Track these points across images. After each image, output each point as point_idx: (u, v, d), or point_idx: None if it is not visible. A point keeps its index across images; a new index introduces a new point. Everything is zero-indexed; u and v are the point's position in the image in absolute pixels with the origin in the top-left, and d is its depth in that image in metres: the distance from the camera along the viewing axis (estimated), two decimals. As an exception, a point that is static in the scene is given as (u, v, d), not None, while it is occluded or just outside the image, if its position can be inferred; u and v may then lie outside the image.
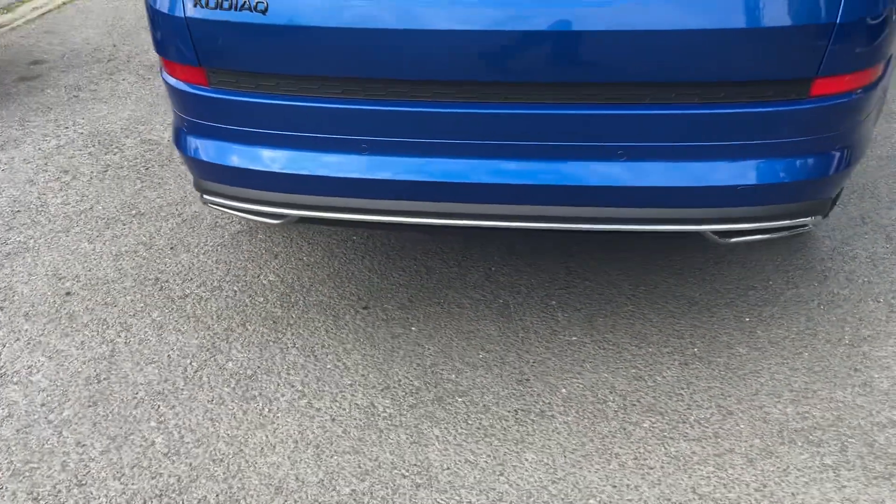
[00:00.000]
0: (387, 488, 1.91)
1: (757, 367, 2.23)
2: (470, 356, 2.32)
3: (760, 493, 1.86)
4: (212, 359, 2.35)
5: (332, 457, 2.01)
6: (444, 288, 2.61)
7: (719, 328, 2.38)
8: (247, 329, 2.46)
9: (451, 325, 2.44)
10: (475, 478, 1.93)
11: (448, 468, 1.96)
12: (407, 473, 1.95)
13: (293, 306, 2.55)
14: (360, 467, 1.97)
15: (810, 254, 2.70)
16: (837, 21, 1.70)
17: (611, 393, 2.17)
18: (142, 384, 2.26)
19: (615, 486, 1.90)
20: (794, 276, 2.59)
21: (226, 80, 1.93)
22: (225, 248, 2.87)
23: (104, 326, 2.50)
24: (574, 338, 2.38)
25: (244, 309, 2.55)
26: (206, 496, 1.91)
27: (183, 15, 1.86)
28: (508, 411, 2.12)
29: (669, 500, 1.86)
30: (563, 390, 2.19)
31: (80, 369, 2.33)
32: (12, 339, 2.46)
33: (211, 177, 2.06)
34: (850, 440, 1.99)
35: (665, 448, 2.00)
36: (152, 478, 1.97)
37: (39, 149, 3.66)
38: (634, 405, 2.13)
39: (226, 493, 1.92)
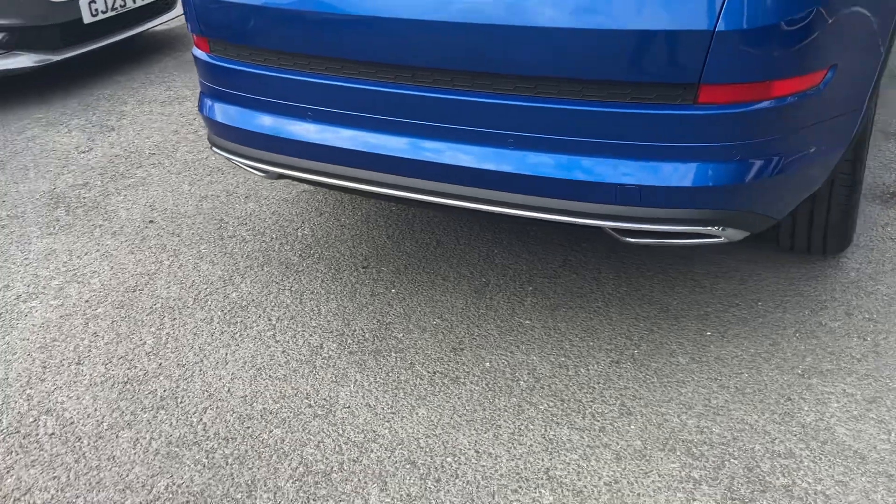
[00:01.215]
0: (290, 412, 2.19)
1: (686, 379, 2.21)
2: (425, 321, 2.51)
3: (607, 488, 1.90)
4: (223, 288, 2.75)
5: (265, 380, 2.32)
6: (441, 261, 2.81)
7: (673, 337, 2.37)
8: (263, 269, 2.84)
9: (427, 293, 2.64)
10: (365, 419, 2.15)
11: (348, 407, 2.20)
12: (312, 405, 2.21)
13: (309, 257, 2.89)
14: (280, 392, 2.27)
15: (825, 282, 2.56)
16: (715, 29, 1.70)
17: (528, 374, 2.27)
18: (162, 298, 2.72)
19: (477, 452, 2.03)
20: (789, 300, 2.48)
21: (218, 48, 2.29)
22: (286, 203, 3.28)
23: (161, 250, 3.01)
24: (527, 322, 2.48)
25: (269, 253, 2.93)
26: (156, 389, 2.31)
27: (192, -2, 2.26)
28: (428, 372, 2.30)
29: (519, 474, 1.96)
30: (487, 364, 2.32)
31: (126, 280, 2.84)
32: (94, 250, 3.04)
33: (213, 131, 2.44)
34: (732, 460, 1.95)
35: (545, 431, 2.08)
36: (128, 368, 2.40)
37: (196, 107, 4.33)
38: (543, 389, 2.21)
39: (171, 390, 2.30)
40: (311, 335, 2.49)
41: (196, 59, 2.40)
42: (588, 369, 2.27)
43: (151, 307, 2.68)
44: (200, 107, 2.46)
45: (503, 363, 2.31)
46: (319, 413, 2.18)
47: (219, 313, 2.62)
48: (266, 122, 2.26)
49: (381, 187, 2.14)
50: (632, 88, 1.80)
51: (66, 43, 4.59)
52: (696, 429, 2.05)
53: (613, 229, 1.96)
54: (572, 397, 2.18)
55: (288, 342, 2.46)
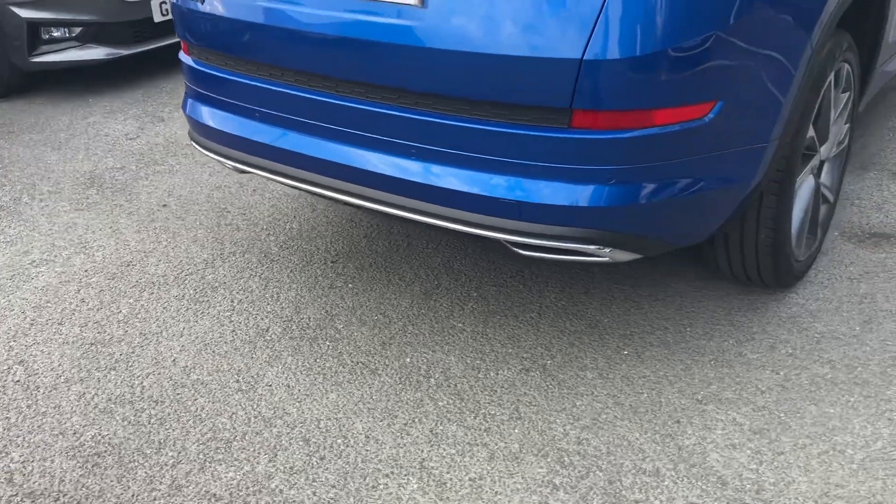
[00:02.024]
0: (219, 385, 2.41)
1: (586, 392, 2.30)
2: (368, 316, 2.69)
3: (470, 483, 2.02)
4: (203, 270, 3.02)
5: (208, 355, 2.55)
6: (405, 262, 2.98)
7: (590, 352, 2.45)
8: (243, 256, 3.09)
9: (380, 290, 2.82)
10: (280, 398, 2.34)
11: (270, 386, 2.40)
12: (240, 380, 2.43)
13: (288, 248, 3.12)
14: (216, 367, 2.49)
15: (762, 314, 2.57)
16: (582, 58, 1.80)
17: (441, 372, 2.41)
18: (149, 274, 3.01)
19: (367, 437, 2.18)
20: (719, 328, 2.51)
21: (193, 52, 2.55)
22: (286, 198, 3.52)
23: (163, 231, 3.30)
24: (460, 325, 2.62)
25: (255, 242, 3.18)
26: (114, 353, 2.58)
27: (175, 2, 2.52)
28: (352, 362, 2.48)
29: (396, 461, 2.10)
30: (408, 359, 2.47)
31: (124, 256, 3.14)
32: (107, 226, 3.37)
33: (190, 126, 2.70)
34: (597, 472, 2.03)
35: (436, 425, 2.21)
36: (98, 332, 2.69)
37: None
38: (449, 387, 2.34)
39: (127, 355, 2.57)
40: (262, 319, 2.70)
41: (181, 60, 2.66)
42: (497, 374, 2.39)
43: (137, 281, 2.97)
44: (183, 105, 2.73)
45: (422, 360, 2.46)
46: (243, 388, 2.39)
47: (191, 292, 2.88)
48: (226, 121, 2.49)
49: (313, 186, 2.33)
50: (511, 110, 1.92)
51: (136, 39, 5.02)
52: (576, 439, 2.13)
53: (508, 242, 2.08)
54: (472, 398, 2.30)
55: (240, 323, 2.68)
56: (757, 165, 2.11)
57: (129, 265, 3.07)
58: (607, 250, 2.02)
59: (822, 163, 2.67)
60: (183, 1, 2.45)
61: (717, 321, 2.56)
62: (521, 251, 2.10)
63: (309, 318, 2.69)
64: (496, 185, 1.99)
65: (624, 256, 2.07)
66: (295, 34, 2.17)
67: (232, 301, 2.81)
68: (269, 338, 2.61)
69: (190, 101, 2.64)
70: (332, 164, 2.23)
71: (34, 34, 4.78)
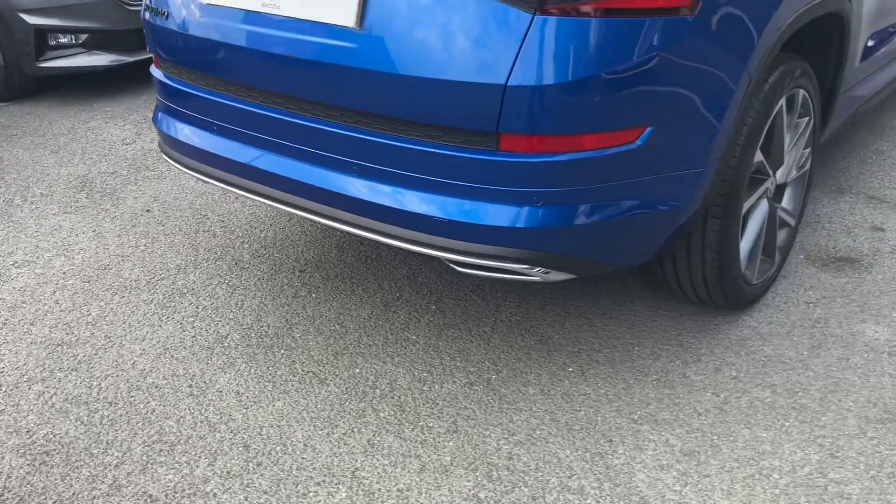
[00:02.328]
0: (172, 389, 2.48)
1: (525, 408, 2.33)
2: (325, 326, 2.75)
3: (398, 494, 2.06)
4: (175, 275, 3.10)
5: (167, 359, 2.62)
6: (370, 273, 3.03)
7: (536, 368, 2.49)
8: (215, 263, 3.17)
9: (341, 300, 2.87)
10: (228, 404, 2.41)
11: (220, 392, 2.46)
12: (192, 385, 2.50)
13: (259, 256, 3.19)
14: (172, 371, 2.56)
15: (713, 336, 2.59)
16: (507, 84, 1.85)
17: (388, 384, 2.45)
18: (123, 278, 3.09)
19: (305, 445, 2.24)
20: (667, 349, 2.54)
21: (162, 64, 2.63)
22: (265, 206, 3.60)
23: (143, 237, 3.39)
24: (413, 337, 2.67)
25: (228, 249, 3.26)
26: (78, 354, 2.66)
27: (143, 17, 2.61)
28: (303, 371, 2.53)
29: (330, 469, 2.15)
30: (358, 370, 2.52)
31: (102, 259, 3.23)
32: (91, 230, 3.47)
33: (159, 136, 2.78)
34: (522, 488, 2.06)
35: (373, 436, 2.26)
36: (67, 333, 2.77)
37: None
38: (393, 399, 2.39)
39: (90, 356, 2.65)
40: (223, 325, 2.77)
41: (151, 74, 2.75)
42: (442, 387, 2.43)
43: (111, 285, 3.05)
44: (153, 117, 2.81)
45: (371, 371, 2.51)
46: (195, 393, 2.46)
47: (160, 297, 2.96)
48: (189, 134, 2.56)
49: (269, 199, 2.39)
50: (443, 131, 1.97)
51: (140, 46, 5.14)
52: (507, 455, 2.17)
53: (442, 258, 2.12)
54: (414, 410, 2.34)
55: (202, 329, 2.76)
56: (693, 190, 2.14)
57: (105, 268, 3.16)
58: (538, 270, 2.05)
59: (779, 187, 2.68)
60: (150, 16, 2.53)
61: (667, 341, 2.58)
62: (457, 268, 2.14)
63: (268, 327, 2.75)
64: (431, 203, 2.04)
65: (558, 276, 2.10)
66: (245, 51, 2.24)
67: (197, 307, 2.88)
68: (227, 344, 2.67)
69: (159, 113, 2.72)
70: (284, 179, 2.30)
71: (42, 40, 4.92)
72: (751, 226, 2.54)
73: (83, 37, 4.97)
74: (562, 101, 1.85)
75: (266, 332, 2.72)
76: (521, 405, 2.34)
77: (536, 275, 2.07)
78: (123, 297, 2.97)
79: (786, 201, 2.79)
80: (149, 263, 3.18)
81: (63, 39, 4.98)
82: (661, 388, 2.38)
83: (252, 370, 2.54)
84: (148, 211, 3.62)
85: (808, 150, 2.75)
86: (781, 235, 2.77)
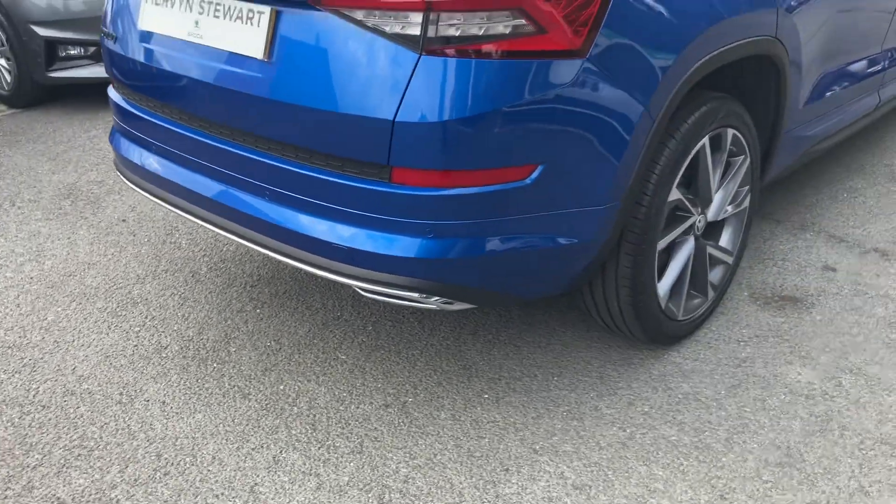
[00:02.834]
0: (103, 396, 2.58)
1: (433, 432, 2.38)
2: (262, 342, 2.83)
3: (290, 510, 2.14)
4: (133, 285, 3.21)
5: (105, 366, 2.73)
6: (317, 291, 3.11)
7: (452, 393, 2.53)
8: (173, 275, 3.28)
9: (283, 317, 2.96)
10: (151, 413, 2.50)
11: (147, 401, 2.56)
12: (123, 393, 2.60)
13: (215, 270, 3.30)
14: (108, 379, 2.67)
15: (635, 370, 2.61)
16: (395, 119, 1.91)
17: (307, 402, 2.52)
18: (85, 285, 3.22)
19: (213, 458, 2.32)
20: (587, 381, 2.56)
21: (114, 84, 2.75)
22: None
23: (112, 246, 3.52)
24: (343, 357, 2.73)
25: (189, 261, 3.37)
26: (25, 357, 2.79)
27: (101, 38, 2.74)
28: (230, 385, 2.62)
29: (231, 483, 2.23)
30: (282, 387, 2.60)
31: (70, 266, 3.37)
32: (66, 237, 3.62)
33: (114, 155, 2.90)
34: (409, 511, 2.12)
35: (280, 452, 2.33)
36: (21, 336, 2.90)
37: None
38: (309, 417, 2.46)
39: (35, 360, 2.77)
40: (166, 336, 2.88)
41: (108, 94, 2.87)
42: (358, 407, 2.49)
43: (72, 291, 3.18)
44: (109, 136, 2.93)
45: (294, 389, 2.58)
46: (123, 401, 2.56)
47: (114, 305, 3.08)
48: (135, 153, 2.67)
49: (199, 220, 2.48)
50: (343, 162, 2.04)
51: (146, 59, 5.31)
52: (404, 478, 2.22)
53: (346, 284, 2.19)
54: (325, 429, 2.41)
55: (145, 339, 2.86)
56: (594, 227, 2.17)
57: (70, 275, 3.29)
58: (434, 299, 2.11)
59: (712, 224, 2.69)
60: (103, 38, 2.66)
61: (588, 373, 2.61)
62: (362, 293, 2.20)
63: (208, 340, 2.85)
64: (332, 230, 2.11)
65: (457, 306, 2.15)
66: (175, 77, 2.33)
67: (146, 317, 2.99)
68: (164, 355, 2.77)
69: (114, 132, 2.84)
70: (210, 200, 2.39)
71: (52, 51, 5.13)
72: (675, 262, 2.56)
73: (91, 49, 5.16)
74: (446, 138, 1.90)
75: (204, 345, 2.82)
76: (430, 429, 2.39)
77: (434, 304, 2.12)
78: (80, 304, 3.09)
79: (723, 239, 2.79)
80: (112, 272, 3.30)
81: (72, 51, 5.18)
82: (569, 419, 2.41)
83: (182, 381, 2.63)
84: (123, 220, 3.75)
85: (746, 188, 2.75)
86: (716, 272, 2.77)
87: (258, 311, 3.00)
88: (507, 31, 1.88)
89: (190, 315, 2.99)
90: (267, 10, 2.07)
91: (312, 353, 2.75)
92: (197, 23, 2.25)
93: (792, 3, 2.53)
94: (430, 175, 1.95)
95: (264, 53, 2.08)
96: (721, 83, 2.58)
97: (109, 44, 2.59)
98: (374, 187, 2.01)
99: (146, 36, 2.41)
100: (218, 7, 2.19)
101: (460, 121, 1.89)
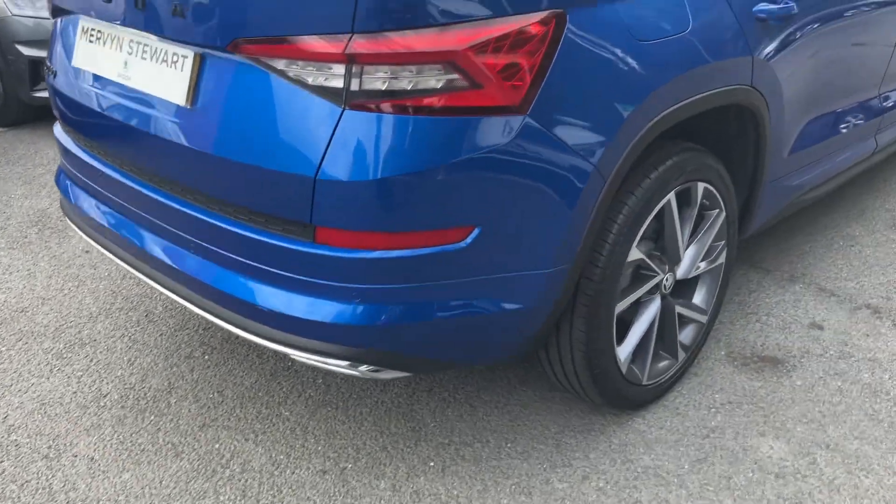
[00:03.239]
0: (30, 449, 2.44)
1: (365, 495, 2.22)
2: (205, 393, 2.68)
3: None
4: (85, 323, 3.08)
5: (38, 415, 2.59)
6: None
7: (397, 460, 2.37)
8: (127, 314, 3.15)
9: (230, 366, 2.81)
10: (77, 471, 2.36)
11: (75, 456, 2.42)
12: (51, 447, 2.46)
13: (169, 311, 3.16)
14: (39, 430, 2.53)
15: (595, 439, 2.44)
16: (316, 177, 1.77)
17: (241, 464, 2.37)
18: (35, 322, 3.10)
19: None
20: (542, 449, 2.39)
21: (58, 122, 2.63)
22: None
23: (71, 279, 3.40)
24: (287, 413, 2.58)
25: (145, 301, 3.23)
26: (-43, 403, 2.67)
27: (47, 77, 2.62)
28: (164, 441, 2.47)
29: (147, 555, 2.08)
30: (217, 445, 2.45)
31: (24, 301, 3.25)
32: (25, 268, 3.50)
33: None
34: None
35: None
36: (-44, 379, 2.79)
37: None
38: (241, 481, 2.31)
39: (-33, 406, 2.65)
40: (108, 383, 2.74)
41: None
42: (293, 473, 2.34)
43: (20, 329, 3.06)
44: (56, 175, 2.80)
45: (230, 448, 2.43)
46: (50, 455, 2.42)
47: (60, 346, 2.95)
48: (76, 194, 2.55)
49: (128, 266, 2.34)
50: (266, 218, 1.89)
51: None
52: (331, 556, 2.06)
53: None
54: (255, 497, 2.26)
55: (86, 385, 2.73)
56: (539, 291, 2.01)
57: (23, 311, 3.17)
58: (364, 367, 1.95)
59: (683, 282, 2.52)
60: (47, 73, 2.54)
61: (544, 440, 2.44)
62: (293, 357, 2.05)
63: (150, 388, 2.71)
64: (256, 291, 1.97)
65: (388, 374, 2.00)
66: (105, 117, 2.21)
67: (91, 360, 2.86)
68: (103, 404, 2.64)
69: (59, 170, 2.72)
70: (139, 250, 2.26)
71: (35, 71, 5.05)
72: (638, 323, 2.39)
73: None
74: (372, 198, 1.76)
75: (145, 395, 2.68)
76: (366, 500, 2.23)
77: (361, 372, 1.97)
78: (27, 343, 2.97)
79: (696, 296, 2.62)
80: (65, 309, 3.18)
81: (58, 71, 5.09)
82: (517, 494, 2.24)
83: (115, 435, 2.49)
84: (87, 252, 3.64)
85: (722, 242, 2.57)
86: (687, 332, 2.60)
87: (207, 357, 2.86)
88: (439, 86, 1.73)
89: (136, 360, 2.86)
90: (191, 54, 1.94)
91: (255, 408, 2.60)
92: (126, 63, 2.12)
93: (769, 50, 2.36)
94: (356, 236, 1.81)
95: (187, 100, 1.95)
96: (698, 132, 2.42)
97: (51, 79, 2.47)
98: (298, 247, 1.86)
99: (80, 74, 2.29)
100: (146, 48, 2.06)
101: (386, 180, 1.74)
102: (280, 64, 1.78)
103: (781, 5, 2.38)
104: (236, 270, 1.99)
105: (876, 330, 2.95)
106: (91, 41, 2.24)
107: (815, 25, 2.58)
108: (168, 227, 2.13)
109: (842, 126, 3.03)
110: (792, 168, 2.79)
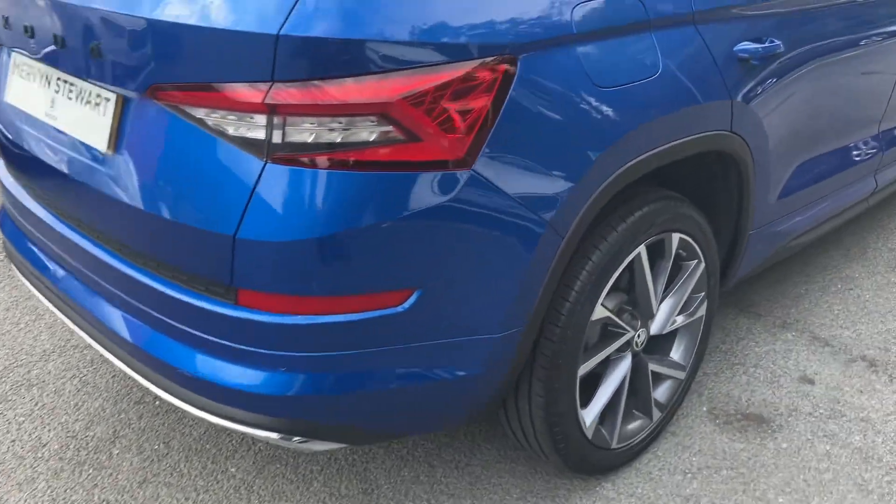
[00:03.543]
0: (-43, 505, 2.31)
1: (308, 578, 2.06)
2: (150, 444, 2.53)
3: None
4: (35, 363, 2.94)
5: (-27, 465, 2.46)
6: (227, 382, 2.81)
7: (341, 525, 2.21)
8: (82, 352, 3.00)
9: (179, 415, 2.66)
10: (2, 531, 2.22)
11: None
12: (-20, 502, 2.32)
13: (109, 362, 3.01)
14: (-29, 481, 2.39)
15: (558, 506, 2.27)
16: (235, 236, 1.61)
17: (177, 527, 2.22)
18: (-17, 361, 2.97)
19: None
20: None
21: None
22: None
23: (30, 312, 3.25)
24: (233, 469, 2.42)
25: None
26: None
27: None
28: (98, 499, 2.31)
29: None
30: (146, 491, 2.30)
31: (-24, 335, 3.12)
32: (-18, 300, 3.37)
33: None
34: None
35: None
36: None
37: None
38: (173, 547, 2.16)
39: None
40: (50, 430, 2.59)
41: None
42: (232, 538, 2.18)
43: (-32, 369, 2.92)
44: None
45: (167, 499, 2.28)
46: (-22, 512, 2.28)
47: (6, 388, 2.81)
48: (15, 237, 2.40)
49: (65, 317, 2.19)
50: (189, 276, 1.74)
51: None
52: None
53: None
54: (188, 565, 2.10)
55: (27, 432, 2.58)
56: (489, 357, 1.84)
57: (-26, 350, 3.04)
58: (295, 439, 1.79)
59: (658, 337, 2.35)
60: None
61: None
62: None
63: (93, 437, 2.56)
64: (179, 353, 1.82)
65: (322, 445, 1.84)
66: (33, 157, 2.07)
67: (36, 404, 2.72)
68: (41, 455, 2.49)
69: (2, 210, 2.58)
70: (68, 299, 2.11)
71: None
72: (607, 384, 2.22)
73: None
74: (296, 260, 1.60)
75: (87, 444, 2.53)
76: (306, 574, 2.07)
77: (293, 444, 1.81)
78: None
79: (674, 351, 2.44)
80: (18, 345, 3.04)
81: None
82: (469, 570, 2.07)
83: (49, 491, 2.34)
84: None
85: (702, 294, 2.40)
86: (663, 390, 2.42)
87: (157, 402, 2.71)
88: (372, 139, 1.57)
89: (83, 404, 2.71)
90: (114, 97, 1.80)
91: (201, 462, 2.44)
92: (53, 102, 1.98)
93: (751, 92, 2.19)
94: (280, 300, 1.65)
95: (109, 146, 1.81)
96: (677, 178, 2.26)
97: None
98: (220, 309, 1.71)
99: (12, 110, 2.15)
100: (72, 88, 1.92)
101: (311, 241, 1.58)
102: (200, 112, 1.63)
103: (766, 44, 2.20)
104: (159, 329, 1.84)
105: (870, 385, 2.76)
106: (22, 76, 2.10)
107: (806, 63, 2.41)
108: (96, 278, 1.98)
109: (837, 167, 2.85)
110: (780, 214, 2.61)
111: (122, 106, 1.78)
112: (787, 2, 2.29)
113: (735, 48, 2.13)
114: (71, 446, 2.52)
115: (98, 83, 1.81)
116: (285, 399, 1.72)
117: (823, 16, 2.44)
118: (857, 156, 2.98)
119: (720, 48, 2.08)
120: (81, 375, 2.86)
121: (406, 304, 1.69)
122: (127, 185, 1.77)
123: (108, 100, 1.81)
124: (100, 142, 1.82)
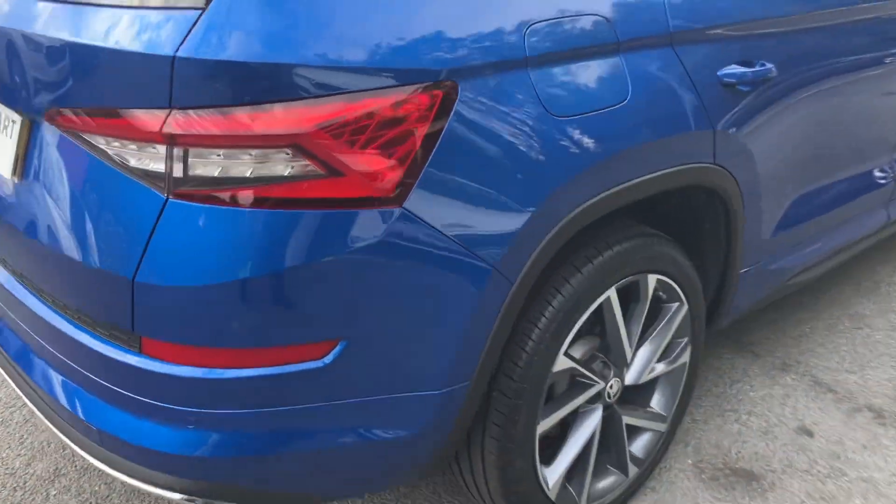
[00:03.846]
0: None
1: None
2: (91, 483, 2.37)
3: None
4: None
5: None
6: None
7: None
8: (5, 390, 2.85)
9: (127, 450, 2.50)
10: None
11: (-77, 561, 2.12)
12: None
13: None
14: None
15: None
16: (134, 279, 1.44)
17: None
18: (-67, 386, 2.83)
19: None
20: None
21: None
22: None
23: None
24: (174, 516, 2.25)
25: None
26: None
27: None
28: (27, 545, 2.17)
29: None
30: (84, 555, 2.13)
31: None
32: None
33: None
34: None
35: None
36: None
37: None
38: None
39: None
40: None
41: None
42: None
43: (-83, 393, 2.79)
44: None
45: (97, 559, 2.11)
46: None
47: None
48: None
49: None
50: (93, 320, 1.58)
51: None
52: None
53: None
54: None
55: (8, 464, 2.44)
56: (428, 415, 1.65)
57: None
58: (201, 501, 1.62)
59: (635, 388, 2.14)
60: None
61: (460, 569, 2.07)
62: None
63: (32, 475, 2.41)
64: (83, 403, 1.66)
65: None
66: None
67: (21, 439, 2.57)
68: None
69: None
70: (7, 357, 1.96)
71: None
72: (573, 440, 2.02)
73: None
74: (200, 306, 1.43)
75: (24, 483, 2.37)
76: None
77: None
78: (-79, 412, 2.69)
79: (654, 400, 2.24)
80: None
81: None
82: None
83: (-24, 535, 2.19)
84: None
85: (685, 339, 2.19)
86: (641, 443, 2.22)
87: (106, 438, 2.54)
88: (287, 174, 1.40)
89: (28, 438, 2.56)
90: (20, 119, 1.64)
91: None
92: (-34, 122, 1.82)
93: (738, 120, 1.98)
94: (185, 351, 1.48)
95: (13, 171, 1.65)
96: (660, 213, 2.06)
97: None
98: (124, 358, 1.54)
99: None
100: (-16, 108, 1.77)
101: (217, 287, 1.41)
102: (100, 140, 1.46)
103: (757, 68, 2.00)
104: (67, 376, 1.68)
105: (876, 440, 2.53)
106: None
107: (803, 88, 2.20)
108: (17, 319, 1.83)
109: (843, 199, 2.63)
110: (776, 250, 2.40)
111: (29, 130, 1.63)
112: (780, 21, 2.08)
113: (719, 72, 1.93)
114: (7, 486, 2.37)
115: (3, 105, 1.66)
116: (192, 459, 1.55)
117: (823, 36, 2.23)
118: (867, 186, 2.75)
119: (701, 72, 1.88)
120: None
121: (328, 358, 1.51)
122: (30, 216, 1.62)
123: (14, 122, 1.65)
124: (4, 167, 1.66)
